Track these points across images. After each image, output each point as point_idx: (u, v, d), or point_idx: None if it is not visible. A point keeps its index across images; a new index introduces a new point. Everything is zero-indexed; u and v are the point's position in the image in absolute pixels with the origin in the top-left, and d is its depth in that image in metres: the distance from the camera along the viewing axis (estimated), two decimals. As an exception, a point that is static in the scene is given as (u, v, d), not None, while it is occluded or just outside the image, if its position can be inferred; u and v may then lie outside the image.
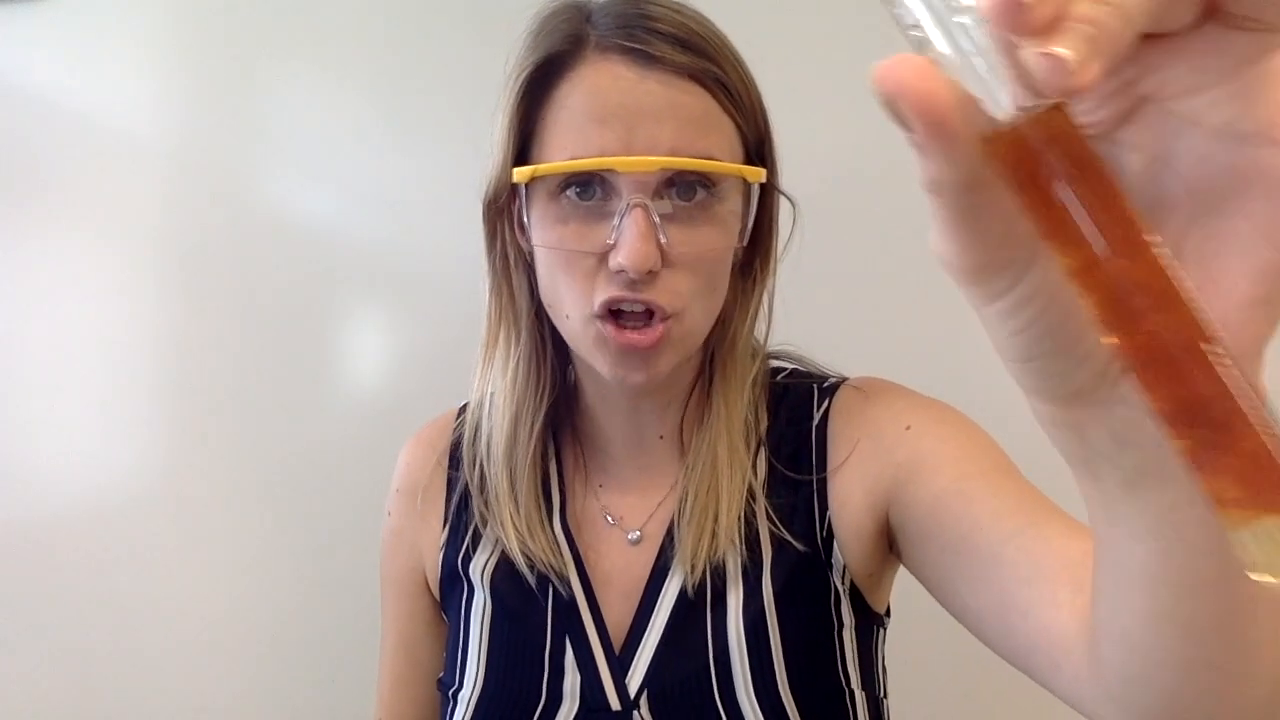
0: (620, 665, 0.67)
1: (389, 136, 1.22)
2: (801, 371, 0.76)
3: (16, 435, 1.30)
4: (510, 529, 0.70)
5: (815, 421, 0.71)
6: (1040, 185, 0.23)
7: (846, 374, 0.76)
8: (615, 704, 0.66)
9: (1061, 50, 0.22)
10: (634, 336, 0.62)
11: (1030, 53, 0.22)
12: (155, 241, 1.27)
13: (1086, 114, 0.27)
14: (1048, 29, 0.22)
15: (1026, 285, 0.28)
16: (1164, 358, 0.23)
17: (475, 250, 1.22)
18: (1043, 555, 0.53)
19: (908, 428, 0.66)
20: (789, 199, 0.70)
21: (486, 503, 0.73)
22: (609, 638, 0.68)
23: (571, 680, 0.67)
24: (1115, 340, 0.24)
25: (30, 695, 1.31)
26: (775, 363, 0.76)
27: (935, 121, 0.23)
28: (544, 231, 0.64)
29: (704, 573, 0.67)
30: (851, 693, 0.67)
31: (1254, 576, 0.23)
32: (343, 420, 1.24)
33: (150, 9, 1.25)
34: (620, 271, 0.60)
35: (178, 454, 1.27)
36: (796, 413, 0.72)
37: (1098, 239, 0.23)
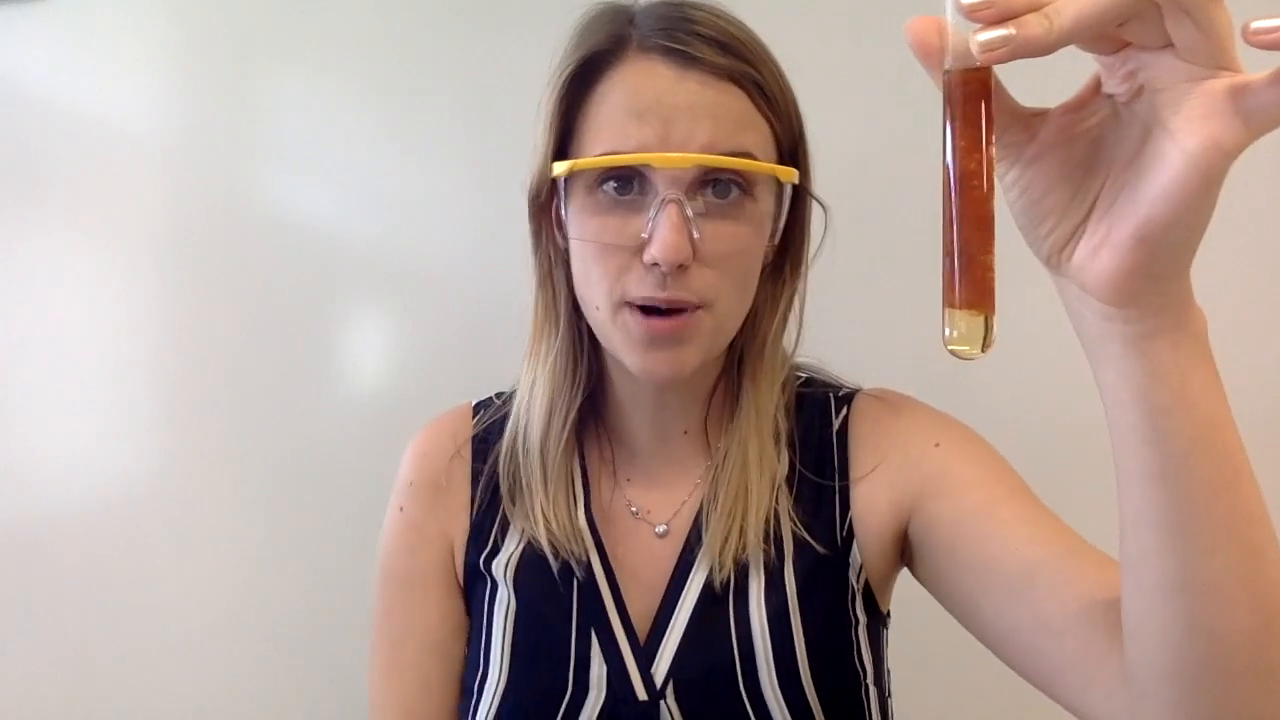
0: (645, 656, 0.68)
1: (389, 136, 1.22)
2: (818, 380, 0.78)
3: (16, 435, 1.30)
4: (539, 516, 0.71)
5: (835, 428, 0.73)
6: (951, 110, 0.38)
7: (861, 384, 0.78)
8: (642, 694, 0.67)
9: (984, 37, 0.34)
10: (665, 324, 0.63)
11: (974, 30, 0.34)
12: (155, 241, 1.27)
13: (1111, 85, 0.39)
14: (988, 19, 0.34)
15: (1014, 169, 0.42)
16: (964, 217, 0.38)
17: (474, 251, 1.22)
18: (1077, 578, 0.56)
19: (937, 444, 0.68)
20: (821, 204, 0.71)
21: (519, 489, 0.73)
22: (633, 629, 0.69)
23: (598, 670, 0.68)
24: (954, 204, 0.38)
25: (30, 694, 1.31)
26: (794, 372, 0.78)
27: (920, 51, 0.37)
28: (580, 225, 0.65)
29: (730, 569, 0.68)
30: (867, 687, 0.68)
31: (950, 346, 0.38)
32: (342, 419, 1.24)
33: (150, 9, 1.25)
34: (654, 265, 0.61)
35: (178, 453, 1.28)
36: (815, 419, 0.74)
37: (957, 147, 0.38)
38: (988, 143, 0.37)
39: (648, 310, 0.63)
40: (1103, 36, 0.37)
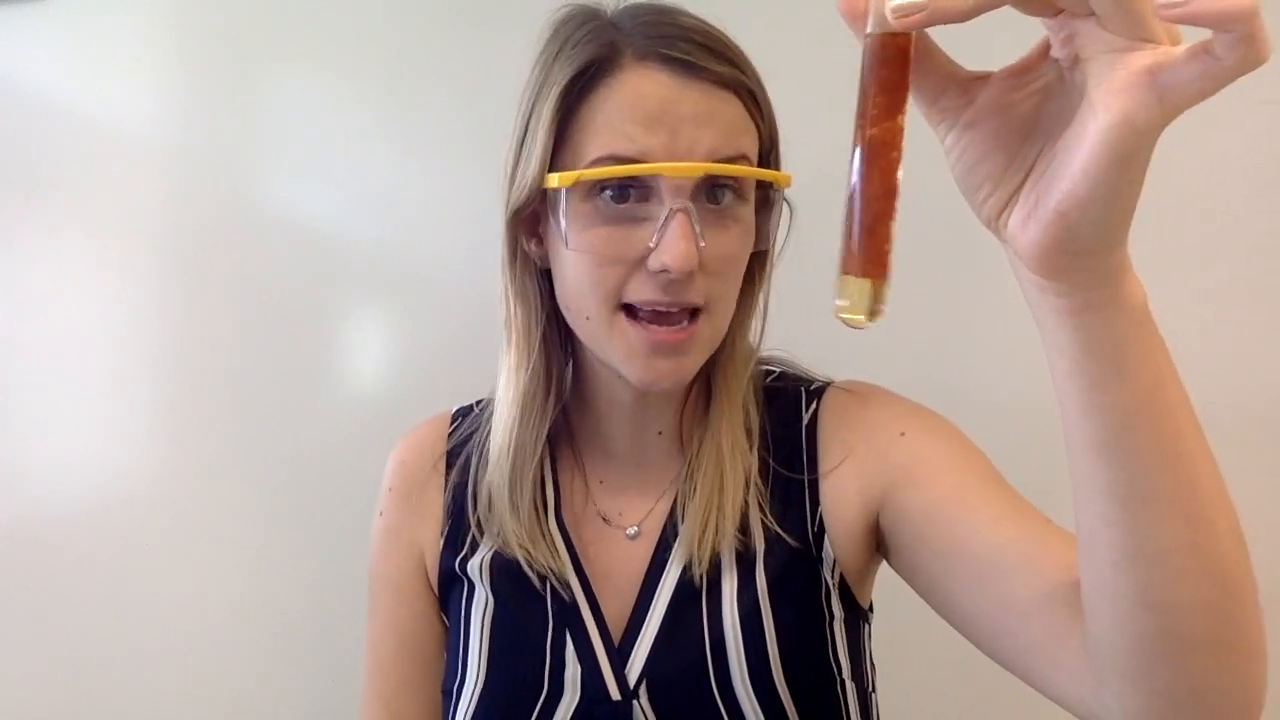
0: (619, 656, 0.68)
1: (389, 136, 1.22)
2: (790, 374, 0.78)
3: (16, 435, 1.30)
4: (510, 533, 0.71)
5: (805, 422, 0.73)
6: (868, 75, 0.38)
7: (833, 377, 0.78)
8: (615, 694, 0.67)
9: (898, 1, 0.34)
10: (669, 334, 0.63)
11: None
12: (155, 241, 1.27)
13: (1056, 49, 0.38)
14: None
15: (951, 133, 0.41)
16: (871, 183, 0.37)
17: (474, 251, 1.22)
18: (1042, 560, 0.56)
19: (902, 434, 0.68)
20: (788, 203, 0.71)
21: (489, 506, 0.74)
22: (608, 630, 0.70)
23: (572, 671, 0.68)
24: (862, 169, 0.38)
25: (30, 694, 1.31)
26: (764, 366, 0.78)
27: (846, 14, 0.37)
28: (576, 235, 0.64)
29: (707, 563, 0.68)
30: (843, 683, 0.68)
31: (840, 315, 0.37)
32: (342, 420, 1.24)
33: (150, 9, 1.26)
34: (661, 272, 0.62)
35: (178, 454, 1.28)
36: (786, 414, 0.74)
37: (869, 114, 0.37)
38: (902, 111, 0.37)
39: (648, 318, 0.63)
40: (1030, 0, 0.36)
